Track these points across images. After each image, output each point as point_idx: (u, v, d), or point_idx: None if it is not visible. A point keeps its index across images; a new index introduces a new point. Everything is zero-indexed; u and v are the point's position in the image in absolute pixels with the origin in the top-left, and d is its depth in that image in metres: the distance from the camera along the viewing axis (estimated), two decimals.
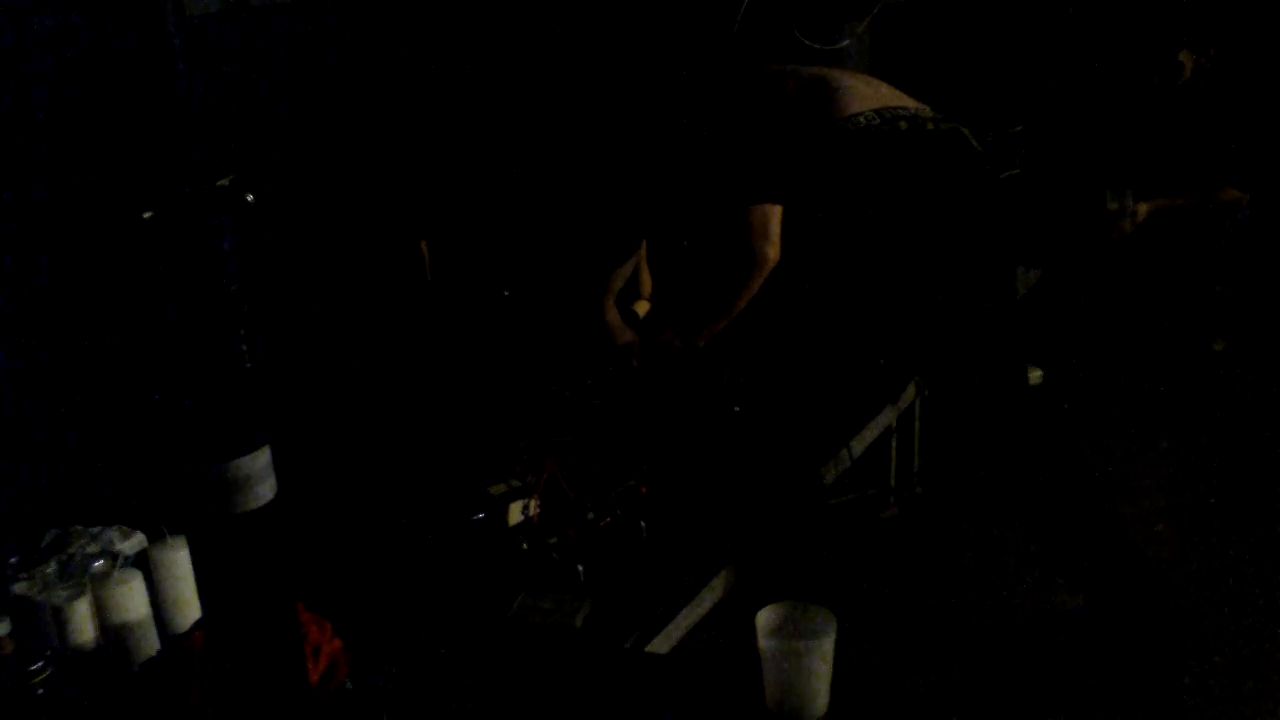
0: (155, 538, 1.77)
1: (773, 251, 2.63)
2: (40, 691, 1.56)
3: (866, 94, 2.36)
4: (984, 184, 2.37)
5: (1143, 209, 4.22)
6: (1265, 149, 4.22)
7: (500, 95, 2.87)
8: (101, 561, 1.78)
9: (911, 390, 3.22)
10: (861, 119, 2.30)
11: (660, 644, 2.07)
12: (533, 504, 2.22)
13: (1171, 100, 4.27)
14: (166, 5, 1.02)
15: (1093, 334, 4.37)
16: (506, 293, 2.84)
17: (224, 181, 1.06)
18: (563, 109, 2.89)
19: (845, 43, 3.75)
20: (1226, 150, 4.16)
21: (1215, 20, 4.30)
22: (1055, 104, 4.77)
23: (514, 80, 2.89)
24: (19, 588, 1.72)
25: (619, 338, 2.78)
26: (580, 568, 2.11)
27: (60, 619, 1.66)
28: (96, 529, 1.89)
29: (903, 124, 2.30)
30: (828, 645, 1.37)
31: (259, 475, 1.15)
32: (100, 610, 1.69)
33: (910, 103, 2.39)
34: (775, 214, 2.63)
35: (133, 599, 1.70)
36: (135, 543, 1.88)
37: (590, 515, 2.24)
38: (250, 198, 1.06)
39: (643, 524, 2.26)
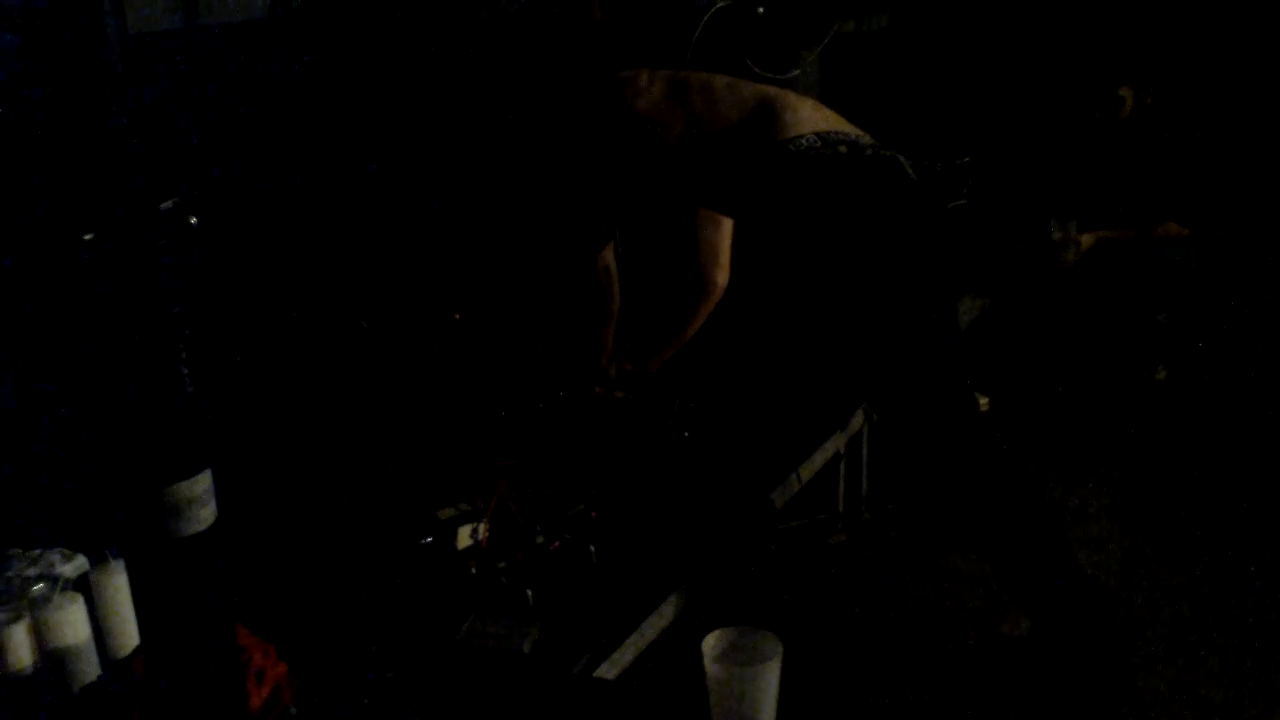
0: (98, 561, 1.75)
1: (722, 277, 2.66)
2: None
3: (811, 117, 2.43)
4: (918, 210, 2.42)
5: (1086, 240, 4.29)
6: (1204, 184, 4.31)
7: (452, 114, 2.88)
8: (42, 585, 1.75)
9: (860, 416, 3.25)
10: (803, 140, 2.36)
11: (609, 669, 2.06)
12: (481, 528, 2.22)
13: (1114, 134, 4.36)
14: (108, 23, 1.02)
15: (1038, 362, 4.43)
16: (457, 316, 2.84)
17: (167, 204, 1.05)
18: (516, 125, 2.90)
19: (796, 72, 3.80)
20: (1167, 184, 4.25)
21: (1155, 58, 4.40)
22: (1001, 136, 4.85)
23: (466, 99, 2.89)
24: None
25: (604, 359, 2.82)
26: (529, 592, 2.11)
27: None
28: (36, 551, 1.85)
29: (842, 148, 2.37)
30: (774, 671, 1.37)
31: (200, 499, 1.14)
32: (39, 635, 1.65)
33: (853, 130, 2.45)
34: (725, 239, 2.66)
35: (73, 623, 1.67)
36: (77, 566, 1.85)
37: (539, 539, 2.24)
38: (193, 220, 1.06)
39: (592, 548, 2.26)
